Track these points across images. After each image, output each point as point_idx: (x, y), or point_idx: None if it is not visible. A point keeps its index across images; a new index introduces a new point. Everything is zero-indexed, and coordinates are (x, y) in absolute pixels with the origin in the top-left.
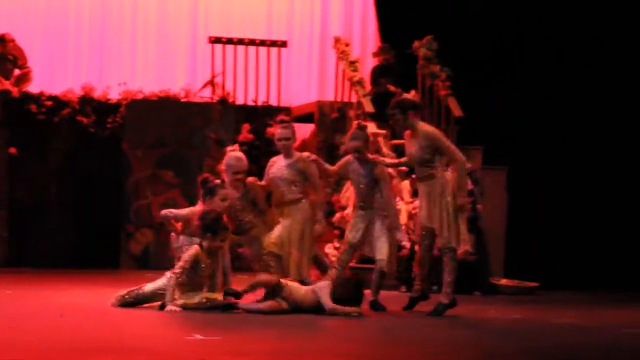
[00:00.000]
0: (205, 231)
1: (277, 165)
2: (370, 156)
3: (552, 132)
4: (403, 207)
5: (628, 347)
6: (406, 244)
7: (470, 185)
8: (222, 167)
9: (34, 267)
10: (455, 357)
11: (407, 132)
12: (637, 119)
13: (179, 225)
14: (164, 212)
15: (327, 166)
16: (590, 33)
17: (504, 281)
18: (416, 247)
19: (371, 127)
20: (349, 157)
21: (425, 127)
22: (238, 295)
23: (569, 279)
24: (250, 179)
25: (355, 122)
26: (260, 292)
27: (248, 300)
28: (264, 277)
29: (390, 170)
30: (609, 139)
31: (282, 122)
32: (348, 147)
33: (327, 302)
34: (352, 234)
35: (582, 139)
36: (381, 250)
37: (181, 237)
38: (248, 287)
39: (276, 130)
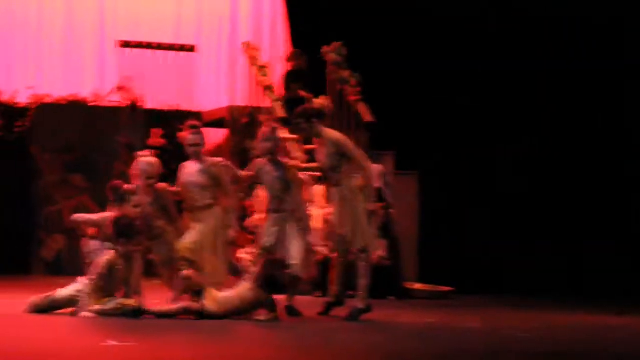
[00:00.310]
0: (119, 236)
1: (189, 171)
2: (283, 159)
3: (462, 137)
4: (317, 212)
5: (535, 351)
6: (320, 249)
7: (376, 184)
8: (134, 172)
9: None
10: None
11: (317, 140)
12: (543, 119)
13: (91, 230)
14: (75, 217)
15: (239, 171)
16: (496, 38)
17: (417, 286)
18: (330, 253)
19: (282, 133)
20: (261, 160)
21: (331, 133)
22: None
23: (482, 283)
24: (161, 184)
25: (267, 124)
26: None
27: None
28: (189, 274)
29: (303, 175)
30: (519, 142)
31: (192, 127)
32: (260, 149)
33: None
34: (265, 239)
35: (492, 142)
36: (295, 255)
37: (93, 242)
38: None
39: (187, 136)
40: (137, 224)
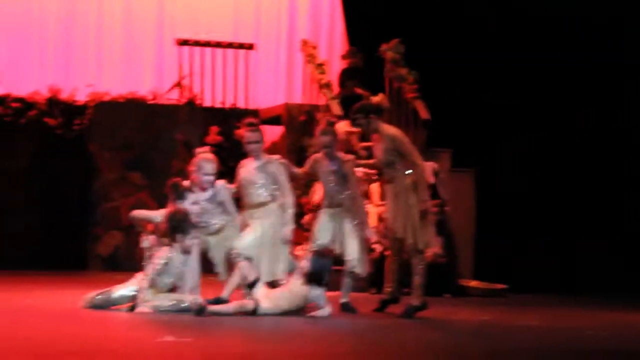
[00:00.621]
0: (174, 231)
1: (247, 168)
2: (339, 153)
3: (520, 134)
4: (373, 209)
5: (591, 349)
6: (376, 246)
7: (431, 179)
8: (192, 168)
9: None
10: (425, 359)
11: (375, 136)
12: (605, 119)
13: (149, 226)
14: (133, 213)
15: (296, 169)
16: (557, 35)
17: (473, 283)
18: (385, 250)
19: (344, 126)
20: (317, 155)
21: (389, 129)
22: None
23: (538, 281)
24: (219, 181)
25: (324, 119)
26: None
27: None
28: (245, 264)
29: (359, 173)
30: (578, 140)
31: (250, 125)
32: (318, 143)
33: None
34: (320, 234)
35: (551, 140)
36: (351, 251)
37: (151, 238)
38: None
39: (245, 134)
40: (191, 217)
